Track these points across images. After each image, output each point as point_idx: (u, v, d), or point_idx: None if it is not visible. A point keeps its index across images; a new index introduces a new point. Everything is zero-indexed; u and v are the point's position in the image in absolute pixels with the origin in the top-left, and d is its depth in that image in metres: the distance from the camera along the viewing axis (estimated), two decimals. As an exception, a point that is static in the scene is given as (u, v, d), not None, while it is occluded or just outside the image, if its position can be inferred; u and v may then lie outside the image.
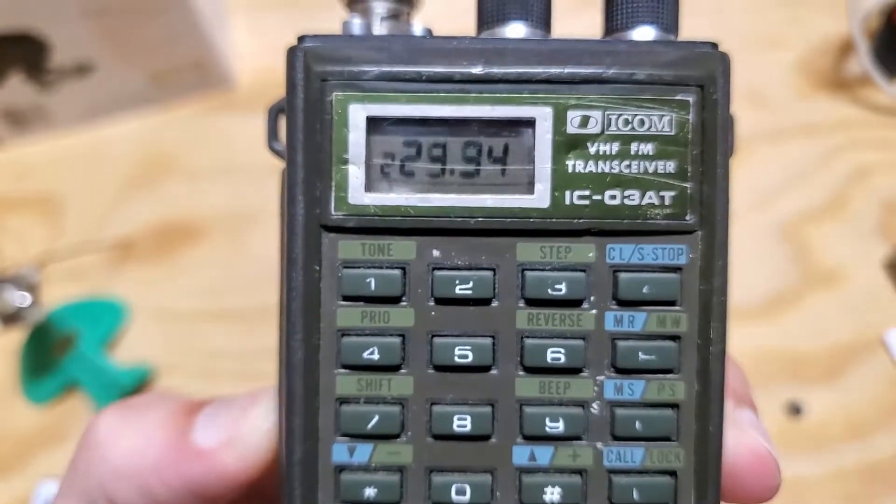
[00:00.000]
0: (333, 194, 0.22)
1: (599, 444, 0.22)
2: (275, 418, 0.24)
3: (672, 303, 0.22)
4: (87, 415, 0.52)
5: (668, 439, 0.22)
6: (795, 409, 0.51)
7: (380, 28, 0.24)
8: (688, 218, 0.22)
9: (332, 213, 0.22)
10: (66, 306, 0.54)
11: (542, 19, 0.24)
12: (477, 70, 0.22)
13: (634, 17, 0.23)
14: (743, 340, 0.52)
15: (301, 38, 0.22)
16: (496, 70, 0.22)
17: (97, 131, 0.59)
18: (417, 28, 0.24)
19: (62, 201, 0.57)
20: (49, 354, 0.53)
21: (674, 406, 0.22)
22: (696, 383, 0.22)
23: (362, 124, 0.22)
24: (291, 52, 0.22)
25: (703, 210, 0.22)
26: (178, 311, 0.54)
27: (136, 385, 0.51)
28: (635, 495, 0.22)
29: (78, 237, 0.56)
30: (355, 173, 0.22)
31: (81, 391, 0.52)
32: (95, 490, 0.24)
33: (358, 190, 0.22)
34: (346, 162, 0.22)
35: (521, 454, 0.22)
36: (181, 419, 0.24)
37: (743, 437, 0.24)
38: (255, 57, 0.61)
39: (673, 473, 0.22)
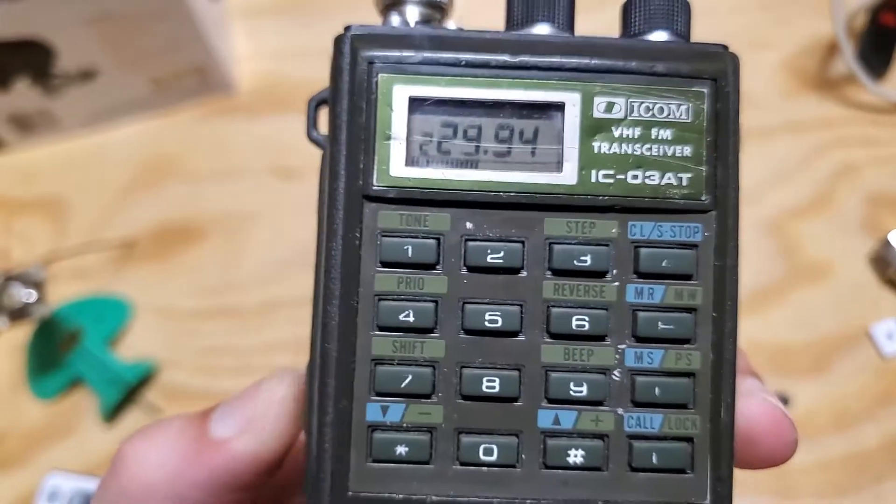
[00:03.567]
0: (376, 167, 0.23)
1: (620, 410, 0.24)
2: (284, 390, 0.25)
3: (688, 277, 0.24)
4: (92, 409, 0.53)
5: (685, 406, 0.24)
6: (783, 401, 0.51)
7: None
8: (703, 198, 0.24)
9: (374, 184, 0.23)
10: (72, 304, 0.55)
11: (567, 21, 0.25)
12: (511, 58, 0.24)
13: (651, 22, 0.25)
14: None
15: (347, 28, 0.24)
16: (529, 58, 0.24)
17: (101, 135, 0.60)
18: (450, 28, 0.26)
19: (67, 203, 0.59)
20: (55, 351, 0.54)
21: (690, 375, 0.24)
22: (711, 353, 0.24)
23: (405, 104, 0.24)
24: (339, 39, 0.24)
25: (717, 192, 0.24)
26: (179, 309, 0.56)
27: (139, 380, 0.53)
28: (654, 460, 0.23)
29: (82, 238, 0.57)
30: (397, 148, 0.24)
31: (86, 386, 0.53)
32: None
33: (398, 164, 0.24)
34: (388, 138, 0.24)
35: (545, 417, 0.24)
36: (197, 422, 0.25)
37: (753, 402, 0.24)
38: (255, 62, 0.62)
39: (690, 440, 0.23)
